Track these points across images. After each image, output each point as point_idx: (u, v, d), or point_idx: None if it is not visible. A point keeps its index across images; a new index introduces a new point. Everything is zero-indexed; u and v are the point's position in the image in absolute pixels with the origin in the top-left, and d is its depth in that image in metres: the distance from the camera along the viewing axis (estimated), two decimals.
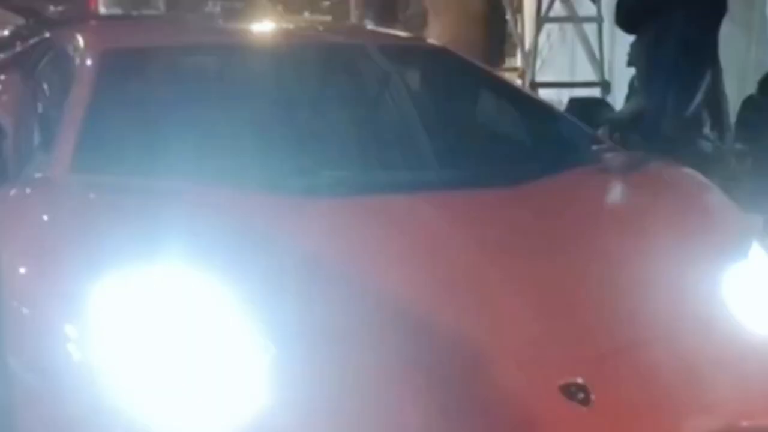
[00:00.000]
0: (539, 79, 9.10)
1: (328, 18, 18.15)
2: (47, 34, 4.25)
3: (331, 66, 3.51)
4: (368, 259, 2.47)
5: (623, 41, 7.71)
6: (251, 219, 2.54)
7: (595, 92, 8.80)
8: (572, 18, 9.08)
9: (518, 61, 9.78)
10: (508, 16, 9.29)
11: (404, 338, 2.25)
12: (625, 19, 5.75)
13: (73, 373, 2.18)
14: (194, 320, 2.23)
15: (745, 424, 2.24)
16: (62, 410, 2.18)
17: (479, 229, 2.64)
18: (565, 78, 9.02)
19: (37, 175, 2.87)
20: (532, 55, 9.17)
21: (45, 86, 3.56)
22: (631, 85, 6.87)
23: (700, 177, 3.13)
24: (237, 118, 3.08)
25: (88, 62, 3.25)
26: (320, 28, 4.66)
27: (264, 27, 4.40)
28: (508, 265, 2.50)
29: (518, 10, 9.86)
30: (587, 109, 3.75)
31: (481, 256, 2.51)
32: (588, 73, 9.04)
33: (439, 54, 3.94)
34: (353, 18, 11.84)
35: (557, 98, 8.72)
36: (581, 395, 2.14)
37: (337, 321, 2.27)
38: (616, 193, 2.97)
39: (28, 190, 2.83)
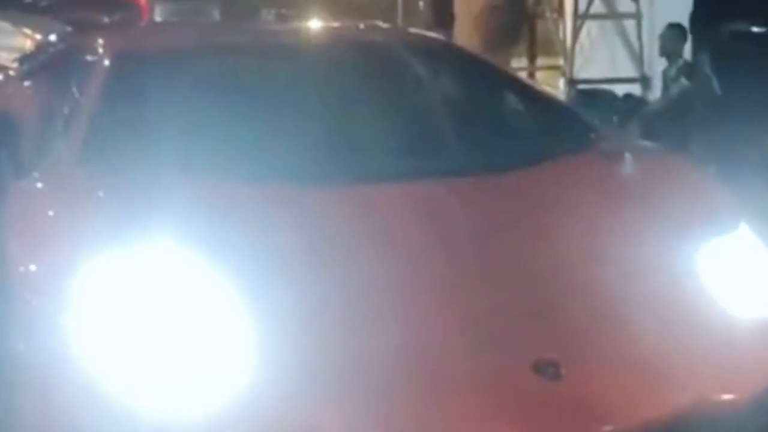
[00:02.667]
0: (581, 75, 9.22)
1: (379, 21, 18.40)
2: (73, 41, 4.50)
3: (343, 62, 3.62)
4: (357, 244, 2.58)
5: None
6: (243, 206, 2.66)
7: (635, 88, 8.90)
8: (612, 15, 9.19)
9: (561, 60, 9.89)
10: (548, 14, 9.44)
11: (385, 318, 2.37)
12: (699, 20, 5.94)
13: (66, 355, 2.24)
14: (181, 298, 2.31)
15: (714, 398, 2.29)
16: (56, 391, 2.25)
17: (466, 214, 2.77)
18: (605, 74, 9.10)
19: (46, 169, 2.98)
20: (572, 53, 9.29)
21: (67, 87, 3.68)
22: (665, 78, 7.00)
23: (690, 162, 3.31)
24: (240, 114, 3.19)
25: (102, 63, 3.44)
26: (344, 27, 4.85)
27: (284, 28, 4.56)
28: (490, 247, 2.63)
29: (559, 8, 9.97)
30: (590, 98, 3.86)
31: (463, 239, 2.65)
32: (628, 69, 9.13)
33: (443, 49, 4.17)
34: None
35: None
36: (552, 370, 2.23)
37: (322, 302, 2.37)
38: (605, 177, 3.05)
39: (34, 184, 2.95)
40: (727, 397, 2.30)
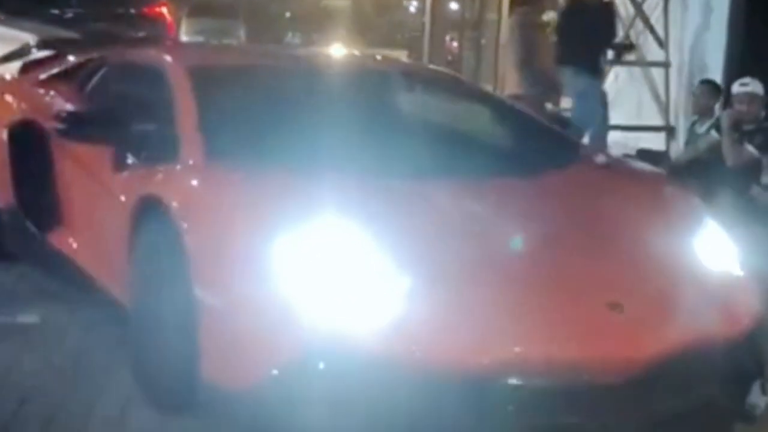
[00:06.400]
0: None
1: (403, 52, 18.48)
2: (100, 54, 4.98)
3: (365, 83, 4.59)
4: (466, 218, 3.45)
5: (691, 86, 7.72)
6: (374, 189, 3.45)
7: (660, 137, 8.78)
8: (640, 62, 9.09)
9: None
10: None
11: (497, 273, 3.18)
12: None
13: (258, 296, 3.02)
14: (351, 259, 3.08)
15: (716, 328, 3.23)
16: (245, 321, 3.02)
17: (530, 205, 3.64)
18: (631, 121, 9.00)
19: (179, 163, 3.61)
20: None
21: (145, 95, 4.22)
22: (690, 132, 6.86)
23: (659, 171, 4.66)
24: (308, 117, 4.00)
25: (183, 75, 4.08)
26: (364, 57, 5.86)
27: (322, 52, 5.34)
28: (558, 228, 3.48)
29: None
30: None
31: (540, 222, 3.48)
32: (654, 118, 9.02)
33: (449, 80, 5.27)
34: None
35: (623, 141, 8.74)
36: (619, 309, 3.10)
37: (450, 260, 3.17)
38: (610, 181, 4.04)
39: (181, 175, 3.57)
40: (732, 329, 3.26)
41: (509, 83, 8.88)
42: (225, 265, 3.13)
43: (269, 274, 3.02)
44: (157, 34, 9.30)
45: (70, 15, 9.67)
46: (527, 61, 8.21)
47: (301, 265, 3.03)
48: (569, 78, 7.74)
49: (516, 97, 7.61)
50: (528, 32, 8.13)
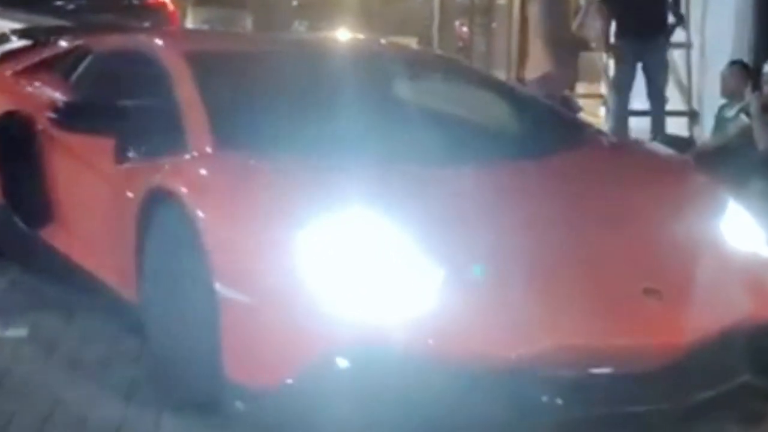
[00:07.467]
0: None
1: (413, 39, 18.24)
2: (83, 42, 4.77)
3: (363, 66, 4.47)
4: (487, 204, 3.35)
5: (714, 69, 7.41)
6: (394, 176, 3.35)
7: (682, 122, 8.48)
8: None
9: (602, 88, 9.51)
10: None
11: (528, 261, 3.09)
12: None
13: (281, 290, 2.92)
14: (379, 250, 2.98)
15: (749, 311, 3.20)
16: (268, 317, 2.92)
17: (557, 191, 3.56)
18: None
19: (186, 155, 3.47)
20: None
21: (143, 83, 4.03)
22: (718, 116, 6.58)
23: (684, 156, 4.49)
24: (310, 104, 3.86)
25: (179, 61, 3.94)
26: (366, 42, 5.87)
27: (310, 39, 5.39)
28: (586, 214, 3.42)
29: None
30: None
31: (568, 209, 3.43)
32: (676, 102, 8.72)
33: (452, 65, 5.33)
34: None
35: (642, 127, 8.44)
36: (656, 295, 3.06)
37: (478, 250, 3.08)
38: (636, 166, 3.98)
39: (192, 165, 3.43)
40: (764, 312, 3.22)
41: (535, 62, 8.55)
42: (246, 259, 3.02)
43: (293, 267, 2.93)
44: (161, 24, 9.11)
45: (72, 6, 9.48)
46: (557, 39, 8.02)
47: (325, 258, 2.94)
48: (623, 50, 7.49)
49: (546, 77, 7.45)
50: (558, 8, 7.90)
